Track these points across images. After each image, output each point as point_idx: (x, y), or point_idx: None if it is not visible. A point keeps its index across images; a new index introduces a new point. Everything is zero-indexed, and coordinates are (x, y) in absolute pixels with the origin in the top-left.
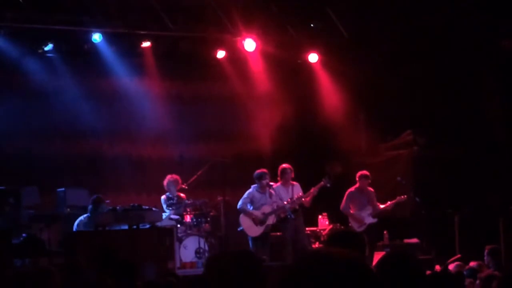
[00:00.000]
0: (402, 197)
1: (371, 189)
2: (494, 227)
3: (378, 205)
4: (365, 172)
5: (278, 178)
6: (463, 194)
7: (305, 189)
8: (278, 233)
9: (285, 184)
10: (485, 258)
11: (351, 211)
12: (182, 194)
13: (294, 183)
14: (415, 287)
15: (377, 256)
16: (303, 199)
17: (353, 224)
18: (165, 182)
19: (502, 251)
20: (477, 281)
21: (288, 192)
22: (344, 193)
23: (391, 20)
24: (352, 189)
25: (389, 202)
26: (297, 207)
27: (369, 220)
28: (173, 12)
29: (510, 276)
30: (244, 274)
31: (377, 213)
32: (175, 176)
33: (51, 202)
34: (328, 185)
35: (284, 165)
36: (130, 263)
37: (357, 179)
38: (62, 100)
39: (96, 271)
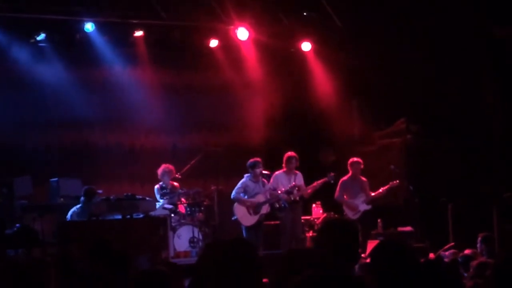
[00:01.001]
0: (394, 182)
1: (364, 178)
2: (488, 215)
3: (371, 194)
4: (355, 158)
5: (283, 165)
6: (456, 182)
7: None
8: (272, 222)
9: (288, 172)
10: (478, 245)
11: (345, 198)
12: (175, 183)
13: (297, 172)
14: (409, 275)
15: (371, 245)
16: (308, 191)
17: (348, 212)
18: (159, 172)
19: (495, 238)
20: (470, 269)
21: (290, 181)
22: (338, 181)
23: (384, 9)
24: (345, 178)
25: (381, 189)
26: (297, 198)
27: (364, 207)
28: (166, 1)
29: (503, 263)
30: (239, 263)
31: (371, 200)
32: (170, 166)
33: (44, 192)
34: (332, 181)
35: (290, 153)
36: (123, 253)
37: (348, 167)
38: (54, 90)
39: (89, 261)
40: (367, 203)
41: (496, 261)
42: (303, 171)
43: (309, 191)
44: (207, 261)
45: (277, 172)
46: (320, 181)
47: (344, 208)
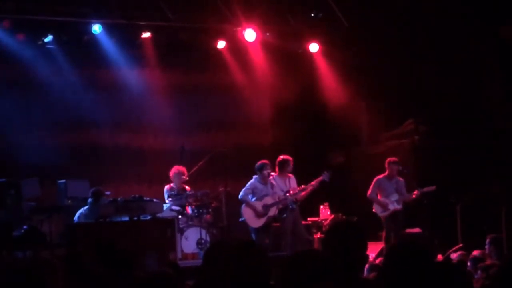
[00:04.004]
0: (432, 187)
1: (401, 179)
2: (496, 216)
3: (407, 194)
4: (393, 158)
5: (276, 168)
6: (465, 183)
7: (306, 179)
8: (274, 224)
9: (282, 175)
10: (487, 247)
11: (379, 197)
12: (187, 187)
13: (290, 175)
14: (424, 277)
15: (375, 247)
16: (302, 193)
17: (377, 209)
18: (171, 173)
19: (504, 240)
20: (478, 271)
21: (286, 184)
22: (346, 182)
23: (391, 9)
24: (380, 176)
25: (416, 191)
26: (296, 199)
27: (394, 206)
28: (173, 2)
29: (509, 265)
30: (246, 264)
31: (405, 201)
32: (181, 168)
33: (52, 194)
34: (327, 179)
35: (284, 157)
36: (129, 254)
37: (386, 166)
38: (62, 91)
39: (96, 263)
40: (399, 203)
41: (502, 262)
42: (310, 173)
43: (303, 193)
44: (212, 262)
45: (271, 177)
46: (316, 181)
47: (374, 205)
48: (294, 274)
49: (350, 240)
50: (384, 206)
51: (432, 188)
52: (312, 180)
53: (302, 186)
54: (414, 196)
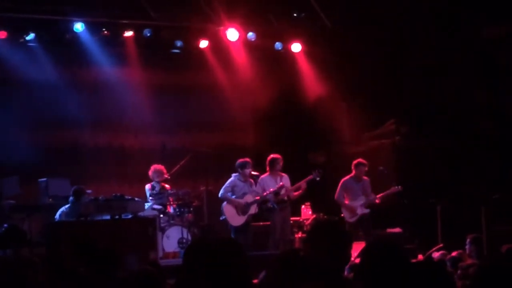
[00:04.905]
0: (396, 188)
1: (366, 178)
2: (476, 217)
3: (373, 195)
4: (361, 160)
5: (267, 168)
6: (445, 184)
7: (291, 179)
8: (261, 223)
9: (273, 174)
10: (467, 247)
11: (346, 202)
12: (167, 186)
13: (283, 174)
14: (400, 276)
15: (357, 246)
16: (293, 192)
17: (345, 214)
18: (150, 172)
19: (484, 240)
20: (458, 271)
21: (276, 183)
22: (327, 182)
23: (373, 9)
24: (347, 177)
25: (382, 194)
26: (285, 198)
27: (361, 210)
28: (156, 1)
29: (488, 265)
30: (225, 262)
31: (370, 204)
32: (160, 166)
33: (33, 192)
34: (318, 178)
35: (274, 155)
36: (110, 253)
37: (353, 167)
38: (43, 89)
39: (76, 261)
40: (366, 207)
41: (481, 263)
42: (293, 172)
43: (295, 193)
44: (192, 261)
45: (262, 176)
46: (305, 180)
47: (343, 210)
48: (279, 273)
49: (332, 239)
50: (352, 211)
51: (398, 188)
52: (298, 180)
53: (297, 184)
54: (377, 201)
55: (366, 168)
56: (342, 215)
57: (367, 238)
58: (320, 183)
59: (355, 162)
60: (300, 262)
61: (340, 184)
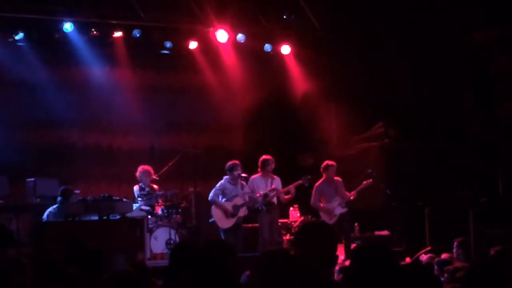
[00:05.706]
0: (368, 181)
1: (338, 178)
2: (464, 220)
3: (347, 194)
4: (329, 161)
5: (259, 169)
6: (433, 187)
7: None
8: (250, 225)
9: (264, 175)
10: (455, 250)
11: (321, 205)
12: (155, 186)
13: (275, 176)
14: (388, 278)
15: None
16: (283, 195)
17: (324, 218)
18: (137, 173)
19: (471, 243)
20: (445, 274)
21: (267, 184)
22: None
23: (363, 12)
24: (319, 182)
25: (354, 191)
26: (273, 200)
27: (339, 210)
28: (145, 2)
29: (477, 269)
30: (212, 263)
31: (347, 202)
32: (147, 167)
33: (21, 192)
34: (306, 184)
35: (265, 156)
36: (97, 253)
37: (321, 170)
38: (32, 89)
39: (64, 262)
40: (343, 206)
41: (470, 265)
42: (281, 174)
43: (286, 196)
44: (178, 262)
45: (253, 176)
46: (293, 185)
47: (321, 214)
48: (264, 274)
49: (319, 241)
50: (330, 213)
51: (369, 181)
52: (286, 181)
53: (286, 188)
54: (352, 197)
55: (335, 168)
56: (321, 218)
57: (348, 239)
58: (309, 186)
59: (323, 165)
60: (284, 261)
61: (314, 190)
